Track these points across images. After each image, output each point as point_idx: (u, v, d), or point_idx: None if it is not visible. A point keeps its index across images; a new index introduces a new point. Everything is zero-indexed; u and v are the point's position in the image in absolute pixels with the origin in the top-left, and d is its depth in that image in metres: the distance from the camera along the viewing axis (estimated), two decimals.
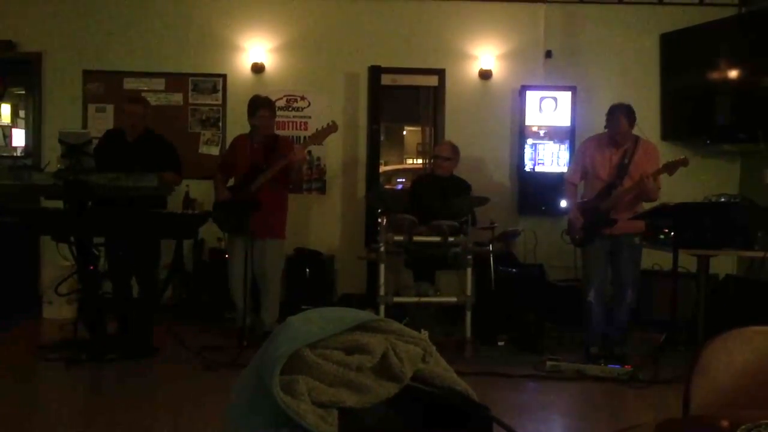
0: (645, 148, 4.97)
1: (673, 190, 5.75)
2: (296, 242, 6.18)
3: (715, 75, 6.23)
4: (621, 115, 4.89)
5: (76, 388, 4.44)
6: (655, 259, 5.93)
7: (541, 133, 6.51)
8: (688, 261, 5.22)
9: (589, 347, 5.00)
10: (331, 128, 5.26)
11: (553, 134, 6.50)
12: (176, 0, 6.57)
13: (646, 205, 4.98)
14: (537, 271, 6.06)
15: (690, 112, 6.43)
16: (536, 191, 6.42)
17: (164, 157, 5.16)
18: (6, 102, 7.22)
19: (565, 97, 6.48)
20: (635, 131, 5.00)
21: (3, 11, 6.50)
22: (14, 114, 7.23)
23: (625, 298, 4.94)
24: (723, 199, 5.37)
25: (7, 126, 7.28)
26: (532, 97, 6.49)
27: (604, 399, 4.33)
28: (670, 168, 4.74)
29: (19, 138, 7.06)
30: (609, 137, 5.00)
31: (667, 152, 6.47)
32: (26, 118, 6.84)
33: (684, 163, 4.73)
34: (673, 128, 6.52)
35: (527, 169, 6.51)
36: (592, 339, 5.02)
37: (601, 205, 4.92)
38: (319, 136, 5.31)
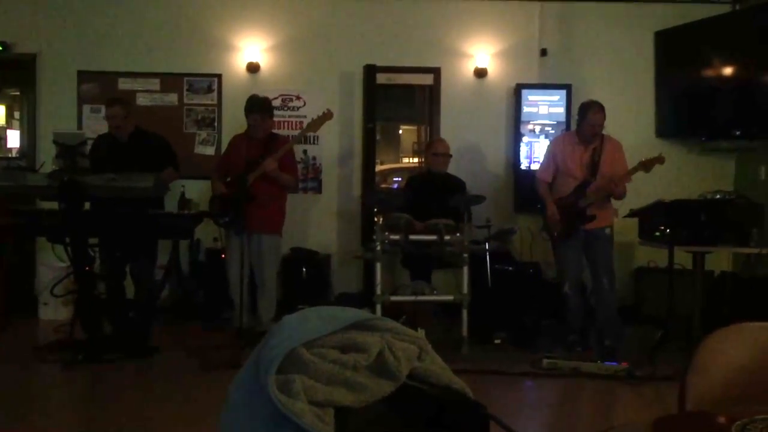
0: (611, 145, 5.11)
1: (669, 188, 5.77)
2: (292, 242, 6.18)
3: (710, 72, 6.24)
4: (600, 109, 5.03)
5: (73, 389, 4.43)
6: (651, 255, 5.94)
7: (537, 131, 6.52)
8: (684, 258, 5.23)
9: (567, 336, 5.18)
10: (326, 116, 5.30)
11: (549, 132, 6.50)
12: (170, 0, 6.56)
13: (643, 201, 5.03)
14: (533, 268, 6.06)
15: (685, 109, 6.44)
16: (532, 189, 6.39)
17: (159, 154, 5.15)
18: (0, 103, 7.19)
19: (560, 95, 6.49)
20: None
21: None
22: (9, 115, 7.20)
23: (603, 286, 5.07)
24: (718, 196, 5.38)
25: (2, 127, 7.26)
26: (527, 95, 6.50)
27: (601, 396, 4.34)
28: (647, 165, 4.85)
29: (13, 139, 7.04)
30: (579, 135, 5.14)
31: (662, 150, 6.46)
32: (21, 119, 6.83)
33: (660, 160, 4.82)
34: (668, 126, 6.52)
35: (523, 167, 6.52)
36: (570, 328, 5.20)
37: (579, 202, 5.04)
38: (315, 125, 5.34)
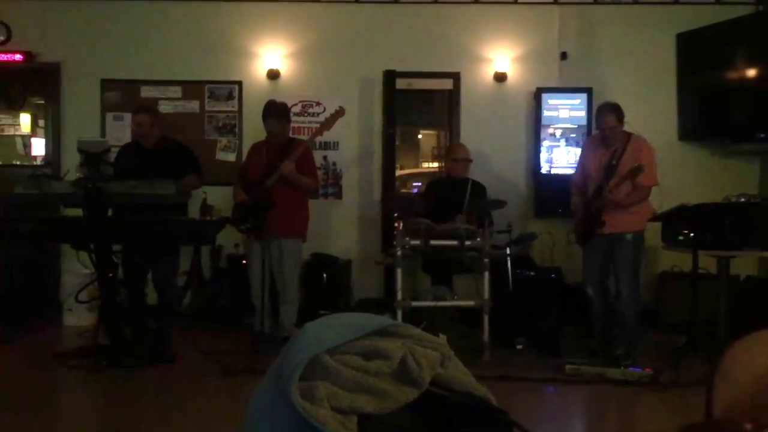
0: (634, 145, 4.95)
1: (693, 191, 5.71)
2: (313, 247, 6.18)
3: (732, 74, 6.17)
4: (607, 111, 4.95)
5: (96, 395, 4.48)
6: (674, 260, 5.88)
7: (557, 134, 6.49)
8: (708, 262, 5.17)
9: (589, 341, 5.15)
10: (339, 113, 5.30)
11: (570, 136, 6.47)
12: (192, 8, 6.62)
13: (666, 205, 4.96)
14: (554, 273, 6.03)
15: (708, 112, 6.37)
16: (553, 193, 6.38)
17: (183, 162, 5.19)
18: (26, 111, 7.31)
19: (581, 99, 6.45)
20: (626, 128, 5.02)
21: (23, 23, 6.59)
22: (34, 123, 7.30)
23: (620, 293, 4.97)
24: (743, 200, 5.32)
25: (27, 135, 7.36)
26: (547, 99, 6.47)
27: (625, 403, 4.30)
28: (631, 176, 4.74)
29: (38, 147, 7.13)
30: (600, 137, 5.07)
31: (685, 153, 6.45)
32: (46, 128, 6.92)
33: (640, 169, 4.68)
34: (690, 129, 6.46)
35: (543, 171, 6.49)
36: (594, 333, 5.15)
37: (592, 205, 4.97)
38: (329, 123, 5.33)
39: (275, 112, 5.31)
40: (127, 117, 6.01)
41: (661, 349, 5.07)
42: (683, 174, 6.26)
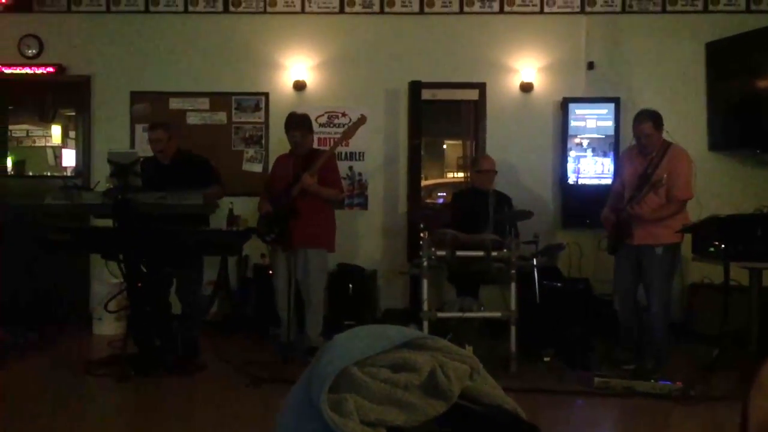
0: (671, 155, 4.86)
1: (723, 202, 5.62)
2: (339, 257, 6.19)
3: (763, 83, 6.08)
4: (644, 117, 4.87)
5: (125, 404, 4.52)
6: (705, 272, 5.79)
7: (584, 145, 6.44)
8: (739, 274, 5.08)
9: (614, 352, 5.13)
10: (360, 121, 5.31)
11: (597, 146, 6.42)
12: (219, 21, 6.69)
13: (702, 216, 4.87)
14: (582, 285, 5.97)
15: (738, 121, 6.29)
16: (580, 204, 6.33)
17: (201, 173, 5.23)
18: (57, 123, 7.44)
19: (608, 109, 6.40)
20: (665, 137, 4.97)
21: (54, 37, 6.71)
22: (64, 135, 7.43)
23: (650, 308, 4.89)
24: None
25: (58, 146, 7.49)
26: (574, 109, 6.43)
27: (655, 416, 4.23)
28: (653, 188, 4.68)
29: (69, 158, 7.25)
30: (638, 146, 4.98)
31: (715, 163, 6.36)
32: (76, 139, 7.03)
33: (661, 183, 4.63)
34: (720, 138, 6.37)
35: (570, 181, 6.44)
36: (620, 343, 5.14)
37: (621, 215, 4.92)
38: (350, 131, 5.36)
39: (297, 123, 5.34)
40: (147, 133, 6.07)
41: (691, 362, 4.99)
42: (714, 185, 6.15)
